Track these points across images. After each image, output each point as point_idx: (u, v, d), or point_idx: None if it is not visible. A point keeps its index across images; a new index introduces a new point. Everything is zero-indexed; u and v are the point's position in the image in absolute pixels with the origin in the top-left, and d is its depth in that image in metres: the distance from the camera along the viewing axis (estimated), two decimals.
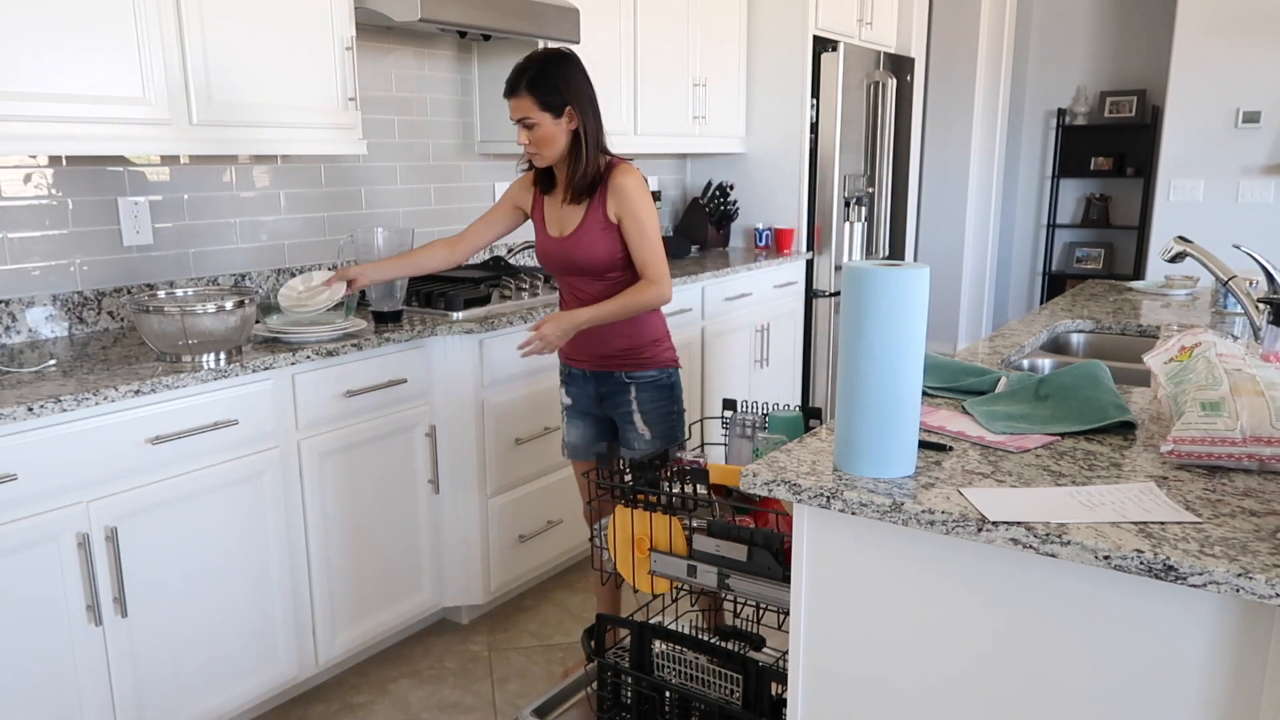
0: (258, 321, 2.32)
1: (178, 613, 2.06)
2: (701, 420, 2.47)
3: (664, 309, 3.36)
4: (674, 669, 1.85)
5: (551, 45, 3.13)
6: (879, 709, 1.31)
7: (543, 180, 2.26)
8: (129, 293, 2.48)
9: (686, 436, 2.35)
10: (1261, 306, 2.00)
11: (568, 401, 2.37)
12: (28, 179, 2.27)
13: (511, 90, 2.12)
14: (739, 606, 2.15)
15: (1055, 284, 6.46)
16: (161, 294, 2.25)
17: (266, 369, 2.13)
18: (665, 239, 4.05)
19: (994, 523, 1.12)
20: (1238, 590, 0.98)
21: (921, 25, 5.27)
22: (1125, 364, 2.20)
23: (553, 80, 2.09)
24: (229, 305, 2.06)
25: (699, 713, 1.79)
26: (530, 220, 2.33)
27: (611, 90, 3.48)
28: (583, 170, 2.14)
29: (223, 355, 2.09)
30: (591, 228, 2.16)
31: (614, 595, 2.46)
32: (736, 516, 1.69)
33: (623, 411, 2.28)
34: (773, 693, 1.73)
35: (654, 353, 2.27)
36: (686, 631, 1.93)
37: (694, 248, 4.30)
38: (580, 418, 2.37)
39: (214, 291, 2.32)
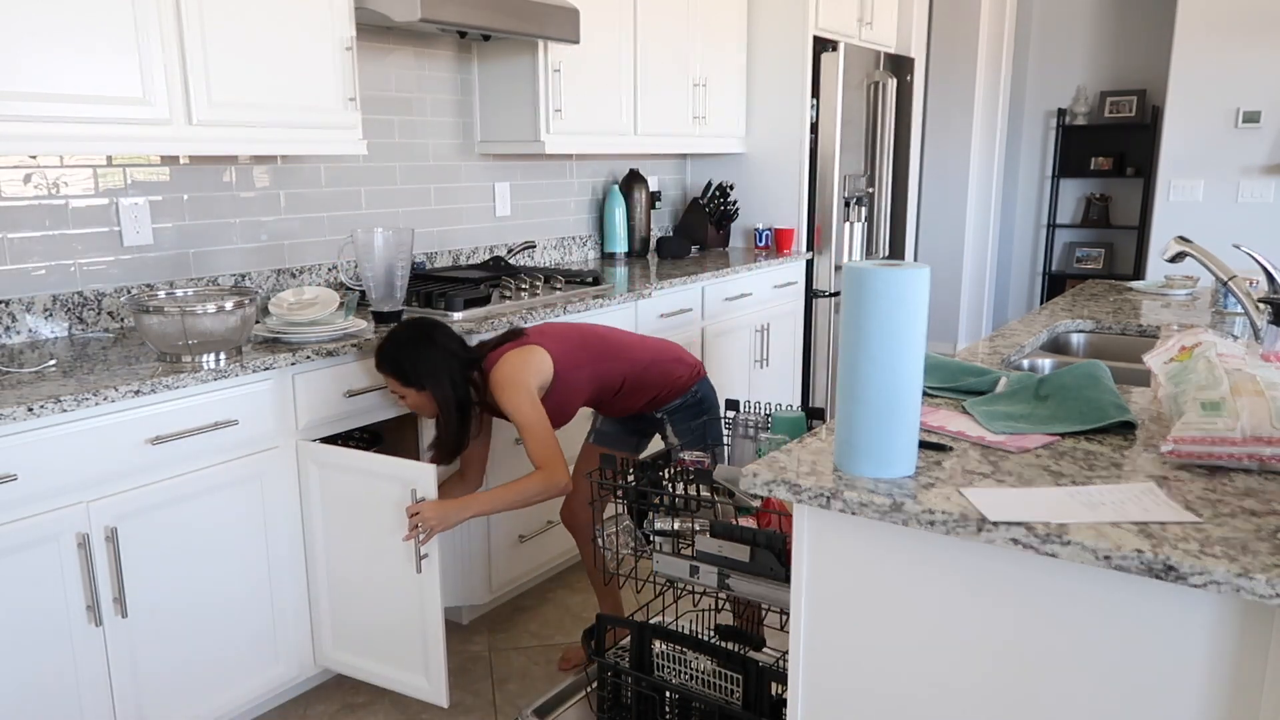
0: (258, 322, 2.32)
1: (178, 613, 2.06)
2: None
3: (664, 309, 3.37)
4: (674, 669, 1.85)
5: (552, 45, 3.15)
6: (879, 709, 1.31)
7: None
8: (129, 293, 2.48)
9: (726, 440, 2.36)
10: (1261, 306, 2.00)
11: (603, 429, 2.48)
12: (28, 179, 2.27)
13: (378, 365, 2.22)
14: (741, 608, 2.16)
15: (1055, 284, 6.46)
16: (161, 294, 2.25)
17: (266, 369, 2.13)
18: (665, 239, 4.05)
19: (994, 523, 1.12)
20: (1238, 590, 0.98)
21: (921, 25, 5.27)
22: (1125, 364, 2.20)
23: (401, 363, 2.17)
24: (229, 305, 2.06)
25: (699, 713, 1.79)
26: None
27: (611, 90, 3.48)
28: (455, 429, 2.21)
29: (223, 355, 2.09)
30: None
31: (615, 594, 2.47)
32: (738, 517, 1.69)
33: (658, 432, 2.42)
34: (773, 693, 1.73)
35: (675, 387, 2.34)
36: (686, 631, 1.93)
37: (694, 248, 4.30)
38: (610, 443, 2.47)
39: (214, 291, 2.32)
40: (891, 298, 1.22)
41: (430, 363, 2.16)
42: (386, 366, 2.19)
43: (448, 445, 2.23)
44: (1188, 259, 2.08)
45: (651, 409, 2.36)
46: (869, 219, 4.58)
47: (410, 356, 2.16)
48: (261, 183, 2.77)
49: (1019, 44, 6.29)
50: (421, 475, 2.08)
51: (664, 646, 1.87)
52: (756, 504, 1.70)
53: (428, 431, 2.59)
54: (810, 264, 4.40)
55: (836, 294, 4.39)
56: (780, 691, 1.73)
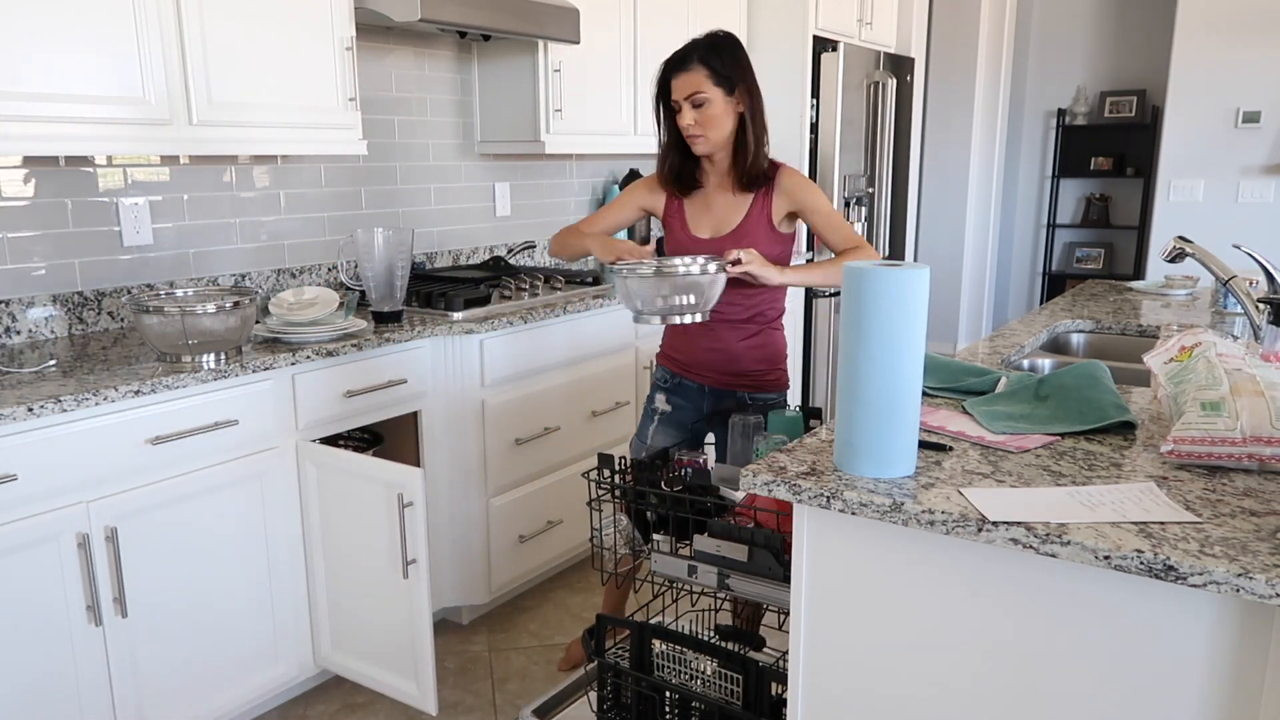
0: (258, 322, 2.32)
1: (178, 613, 2.06)
2: None
3: None
4: (674, 669, 1.85)
5: (552, 45, 3.15)
6: (879, 709, 1.31)
7: (685, 181, 2.16)
8: (129, 293, 2.48)
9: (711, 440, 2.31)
10: (1261, 306, 2.00)
11: (666, 409, 2.26)
12: (28, 179, 2.27)
13: (681, 64, 2.02)
14: (740, 607, 2.15)
15: (1055, 284, 6.46)
16: (161, 294, 2.25)
17: (266, 369, 2.13)
18: (665, 239, 4.04)
19: (994, 523, 1.12)
20: (1238, 590, 0.98)
21: (921, 25, 5.27)
22: (1125, 364, 2.20)
23: (726, 55, 2.02)
24: (229, 305, 2.06)
25: (699, 713, 1.79)
26: (661, 222, 2.24)
27: (611, 90, 3.48)
28: (753, 157, 2.05)
29: (223, 355, 2.09)
30: (755, 228, 2.09)
31: (622, 595, 2.46)
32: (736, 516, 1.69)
33: (720, 435, 2.22)
34: (773, 693, 1.73)
35: (778, 375, 2.21)
36: (686, 631, 1.93)
37: None
38: (675, 427, 2.26)
39: (214, 291, 2.32)
40: (891, 298, 1.22)
41: (748, 67, 2.04)
42: (704, 55, 2.00)
43: (755, 172, 2.07)
44: (1188, 259, 2.08)
45: (747, 387, 2.18)
46: (869, 219, 4.58)
47: (734, 51, 2.03)
48: (261, 183, 2.77)
49: (1019, 44, 6.28)
50: (409, 479, 2.07)
51: (664, 646, 1.87)
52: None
53: (428, 433, 2.59)
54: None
55: (836, 294, 4.39)
56: (780, 691, 1.73)
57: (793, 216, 2.17)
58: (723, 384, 2.20)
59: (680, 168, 2.14)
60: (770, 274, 2.01)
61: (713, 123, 2.03)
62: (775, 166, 2.13)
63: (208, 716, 2.15)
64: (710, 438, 2.29)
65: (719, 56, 2.01)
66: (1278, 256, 5.40)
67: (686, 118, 2.03)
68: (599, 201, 4.04)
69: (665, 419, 2.28)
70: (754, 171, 2.07)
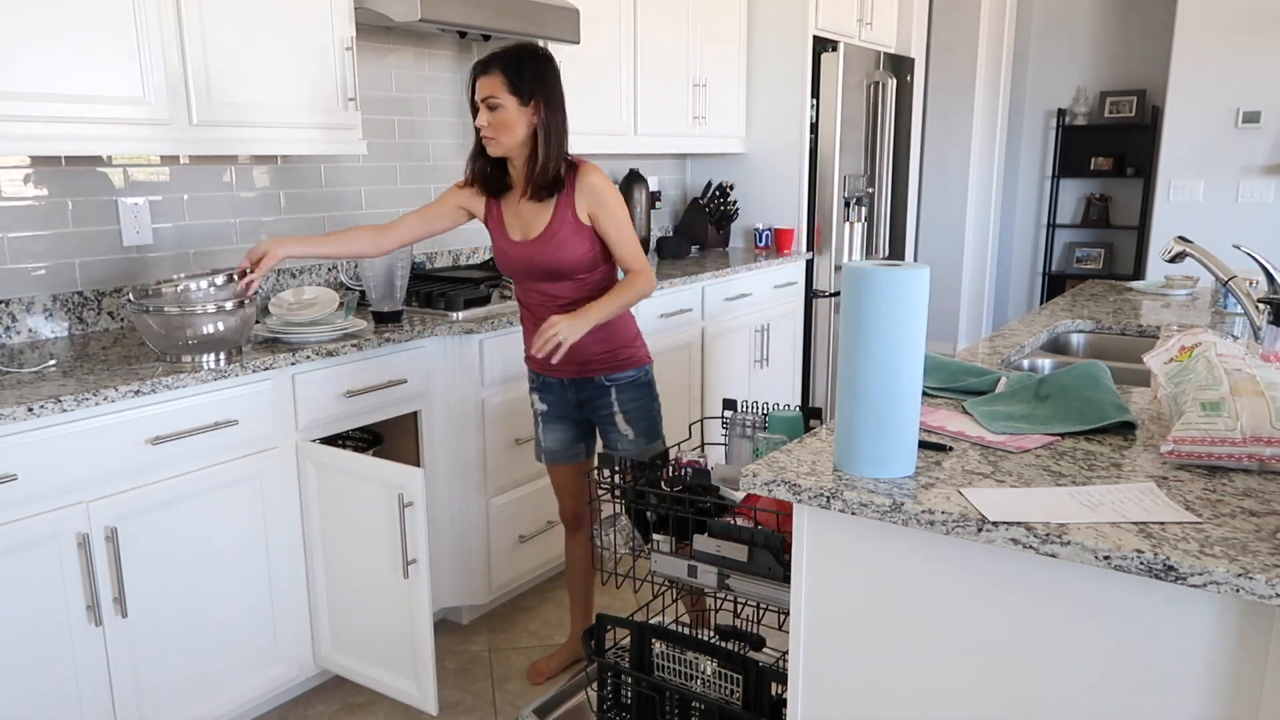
0: (258, 322, 2.32)
1: (178, 613, 2.06)
2: (702, 420, 2.47)
3: (664, 309, 3.37)
4: (674, 669, 1.85)
5: (552, 45, 3.15)
6: (879, 709, 1.31)
7: (492, 183, 2.22)
8: (129, 293, 2.48)
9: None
10: (1261, 306, 2.00)
11: (542, 408, 2.36)
12: (28, 179, 2.27)
13: (484, 68, 2.11)
14: (740, 607, 2.16)
15: (1055, 284, 6.46)
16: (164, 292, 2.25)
17: (266, 369, 2.13)
18: (665, 239, 4.05)
19: (994, 523, 1.12)
20: (1238, 590, 0.98)
21: (921, 25, 5.27)
22: (1125, 364, 2.20)
23: (527, 69, 2.10)
24: (229, 305, 2.06)
25: (699, 713, 1.79)
26: (485, 226, 2.29)
27: (611, 90, 3.48)
28: (541, 166, 2.12)
29: (223, 355, 2.09)
30: (562, 228, 2.15)
31: (590, 582, 2.51)
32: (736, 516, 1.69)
33: (604, 414, 2.29)
34: (773, 693, 1.73)
35: (630, 353, 2.28)
36: (686, 632, 1.93)
37: (694, 248, 4.30)
38: (558, 422, 2.36)
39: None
40: (891, 298, 1.22)
41: (552, 84, 2.12)
42: (505, 64, 2.08)
43: (541, 181, 2.13)
44: (1188, 259, 2.08)
45: (601, 370, 2.25)
46: (869, 219, 4.58)
47: (538, 66, 2.11)
48: (261, 183, 2.77)
49: (1019, 44, 6.29)
50: (409, 479, 2.07)
51: (664, 646, 1.87)
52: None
53: (428, 433, 2.59)
54: (810, 264, 4.40)
55: (836, 294, 4.39)
56: (780, 691, 1.73)
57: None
58: (579, 374, 2.28)
59: (488, 169, 2.21)
60: (579, 328, 2.10)
61: (504, 128, 2.10)
62: (575, 167, 2.17)
63: (208, 716, 2.15)
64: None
65: (520, 67, 2.09)
66: (1278, 256, 5.39)
67: (481, 119, 2.12)
68: None
69: (545, 416, 2.37)
70: (540, 181, 2.14)
